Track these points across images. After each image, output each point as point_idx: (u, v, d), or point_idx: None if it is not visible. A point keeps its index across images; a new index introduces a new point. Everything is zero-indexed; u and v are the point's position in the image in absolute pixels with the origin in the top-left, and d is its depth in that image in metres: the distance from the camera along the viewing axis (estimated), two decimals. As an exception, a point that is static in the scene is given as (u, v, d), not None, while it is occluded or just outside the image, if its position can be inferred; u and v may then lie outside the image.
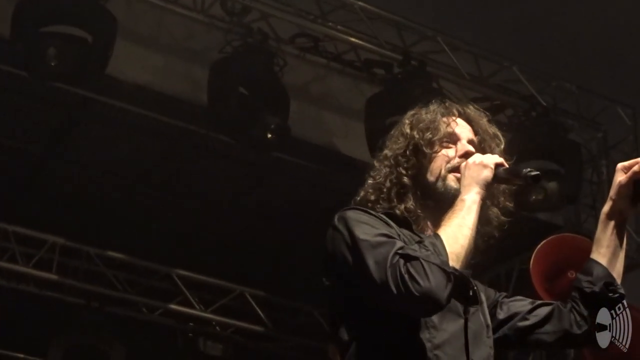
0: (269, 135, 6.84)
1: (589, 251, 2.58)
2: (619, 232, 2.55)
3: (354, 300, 2.35)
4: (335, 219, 2.41)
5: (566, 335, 2.55)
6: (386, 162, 2.56)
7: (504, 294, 2.67)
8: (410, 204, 2.48)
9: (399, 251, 2.23)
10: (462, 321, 2.36)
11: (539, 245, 5.15)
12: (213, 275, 8.76)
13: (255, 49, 6.97)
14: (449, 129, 2.56)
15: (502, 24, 7.68)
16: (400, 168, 2.52)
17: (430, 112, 2.61)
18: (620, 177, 2.51)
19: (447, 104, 2.64)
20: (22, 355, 8.40)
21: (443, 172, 2.50)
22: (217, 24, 7.18)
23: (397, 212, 2.47)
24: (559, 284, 5.16)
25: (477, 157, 2.46)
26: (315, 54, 7.58)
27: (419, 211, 2.49)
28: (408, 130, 2.58)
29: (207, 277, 8.77)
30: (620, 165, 2.53)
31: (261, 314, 8.91)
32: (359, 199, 2.55)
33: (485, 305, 2.53)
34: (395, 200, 2.50)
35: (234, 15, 7.05)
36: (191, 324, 8.86)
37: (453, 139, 2.56)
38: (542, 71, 7.98)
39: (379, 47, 7.41)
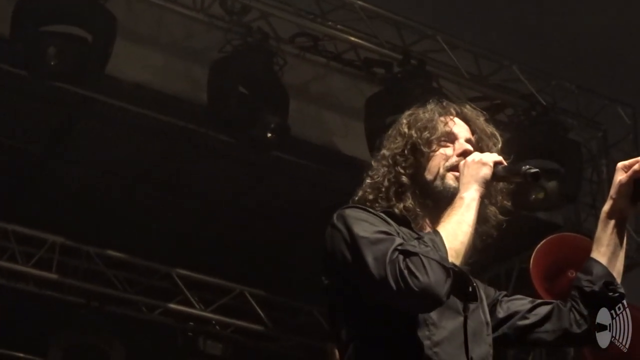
0: (269, 135, 6.83)
1: (589, 250, 2.58)
2: (619, 231, 2.55)
3: (353, 298, 2.35)
4: (334, 218, 2.40)
5: (566, 334, 2.55)
6: (384, 162, 2.56)
7: (504, 292, 2.67)
8: (409, 202, 2.48)
9: (398, 247, 2.23)
10: (461, 319, 2.36)
11: (539, 245, 5.16)
12: (213, 275, 8.76)
13: (255, 48, 6.97)
14: (447, 128, 2.56)
15: (502, 24, 7.68)
16: (399, 167, 2.52)
17: (427, 112, 2.61)
18: (620, 176, 2.52)
19: (444, 104, 2.64)
20: (22, 355, 8.40)
21: (441, 170, 2.50)
22: (217, 23, 7.18)
23: (396, 211, 2.47)
24: (559, 283, 5.17)
25: (476, 155, 2.46)
26: (315, 53, 7.57)
27: (418, 210, 2.49)
28: (406, 130, 2.58)
29: (207, 277, 8.77)
30: (620, 164, 2.53)
31: (261, 314, 8.91)
32: (357, 198, 2.55)
33: (485, 303, 2.52)
34: (393, 199, 2.50)
35: (234, 14, 7.06)
36: (191, 323, 8.85)
37: (451, 138, 2.56)
38: (541, 70, 7.98)
39: (379, 47, 7.41)
